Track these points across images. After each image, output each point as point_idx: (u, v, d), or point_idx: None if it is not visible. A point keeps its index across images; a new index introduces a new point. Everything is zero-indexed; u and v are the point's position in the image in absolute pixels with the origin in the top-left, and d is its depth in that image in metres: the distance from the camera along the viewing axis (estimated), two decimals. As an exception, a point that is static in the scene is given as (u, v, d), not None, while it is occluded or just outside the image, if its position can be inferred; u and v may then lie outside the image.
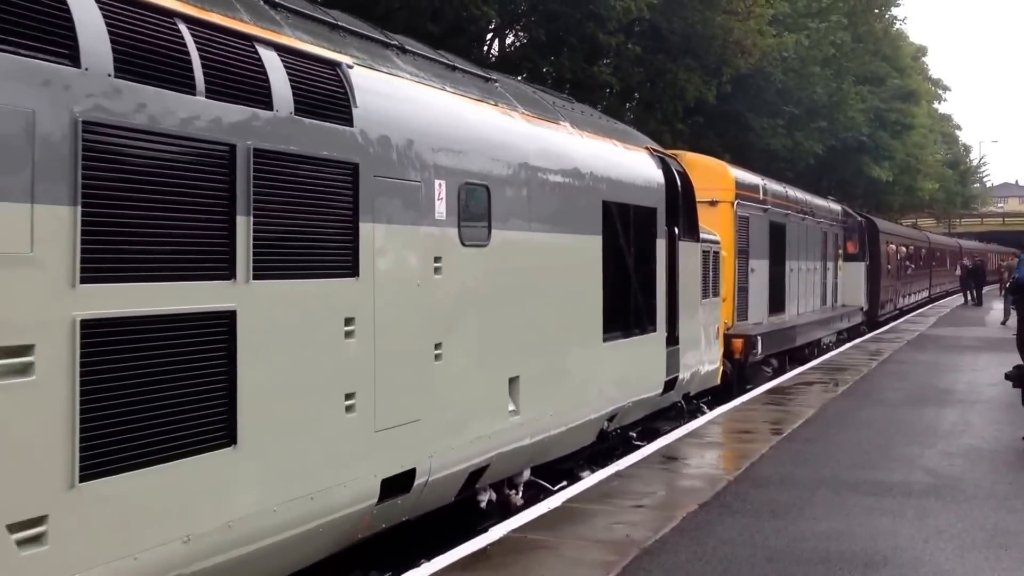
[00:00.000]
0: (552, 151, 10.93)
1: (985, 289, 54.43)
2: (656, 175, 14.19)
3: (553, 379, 10.75)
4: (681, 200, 14.98)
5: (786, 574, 7.66)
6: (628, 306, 12.87)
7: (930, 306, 50.57)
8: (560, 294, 10.83)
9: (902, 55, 65.10)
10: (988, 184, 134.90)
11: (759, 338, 20.13)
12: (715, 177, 20.04)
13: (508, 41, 30.20)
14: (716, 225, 18.74)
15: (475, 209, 9.18)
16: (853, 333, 32.79)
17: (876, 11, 57.77)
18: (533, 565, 7.99)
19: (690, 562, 7.96)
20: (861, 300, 34.16)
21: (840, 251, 32.38)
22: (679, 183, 14.90)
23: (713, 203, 19.34)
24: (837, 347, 28.59)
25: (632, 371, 13.11)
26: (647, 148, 14.68)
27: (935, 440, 13.42)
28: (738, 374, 19.46)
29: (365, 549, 8.29)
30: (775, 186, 24.36)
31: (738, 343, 19.22)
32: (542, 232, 10.42)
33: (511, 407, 9.82)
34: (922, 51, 78.48)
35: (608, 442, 13.09)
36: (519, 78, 27.27)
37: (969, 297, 52.74)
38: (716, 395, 17.81)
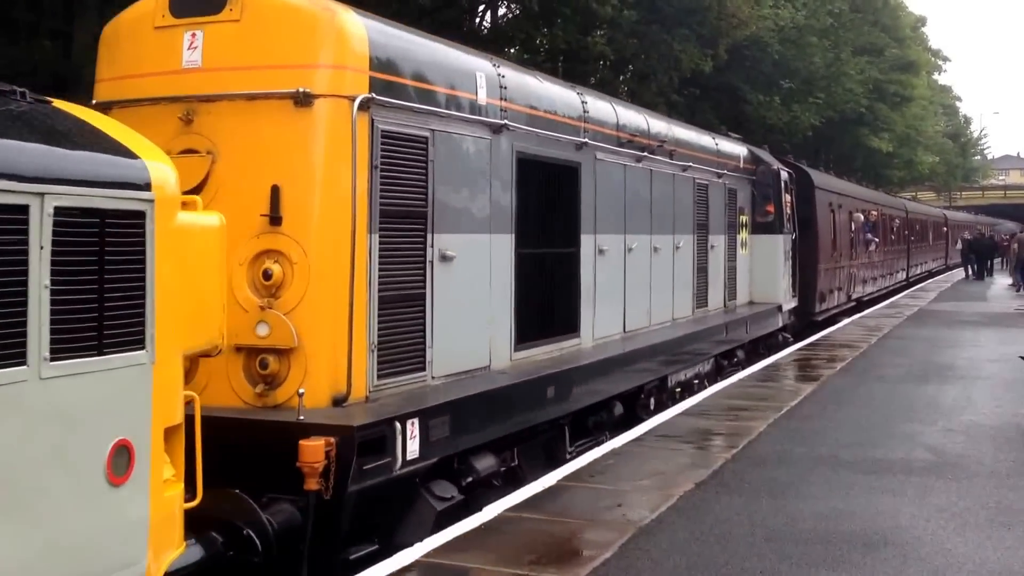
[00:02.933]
0: None
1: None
2: None
3: None
4: None
5: (785, 554, 7.58)
6: None
7: (908, 292, 41.87)
8: None
9: (901, 25, 65.09)
10: (989, 156, 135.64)
11: (408, 426, 8.55)
12: (297, 34, 8.90)
13: (500, 12, 30.12)
14: (296, 154, 8.68)
15: None
16: (766, 348, 21.44)
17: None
18: (529, 542, 7.97)
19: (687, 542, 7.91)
20: (780, 293, 21.77)
21: (745, 218, 20.72)
22: None
23: (301, 99, 8.58)
24: (714, 381, 17.09)
25: None
26: None
27: (936, 417, 13.30)
28: (331, 524, 8.00)
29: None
30: (539, 84, 12.27)
31: (312, 453, 7.65)
32: None
33: None
34: (922, 21, 78.40)
35: None
36: (511, 50, 27.35)
37: (970, 271, 52.76)
38: None
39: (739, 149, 21.16)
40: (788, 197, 22.36)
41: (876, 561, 7.44)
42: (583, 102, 13.19)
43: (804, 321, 24.86)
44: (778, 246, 21.67)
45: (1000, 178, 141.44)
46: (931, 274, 55.60)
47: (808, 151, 47.05)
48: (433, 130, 9.69)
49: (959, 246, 58.51)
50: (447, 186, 9.92)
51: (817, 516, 8.60)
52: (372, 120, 8.82)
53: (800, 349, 21.44)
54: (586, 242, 12.99)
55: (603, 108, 14.00)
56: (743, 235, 20.54)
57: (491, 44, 22.80)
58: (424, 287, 9.48)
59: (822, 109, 44.59)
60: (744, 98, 39.15)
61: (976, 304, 34.65)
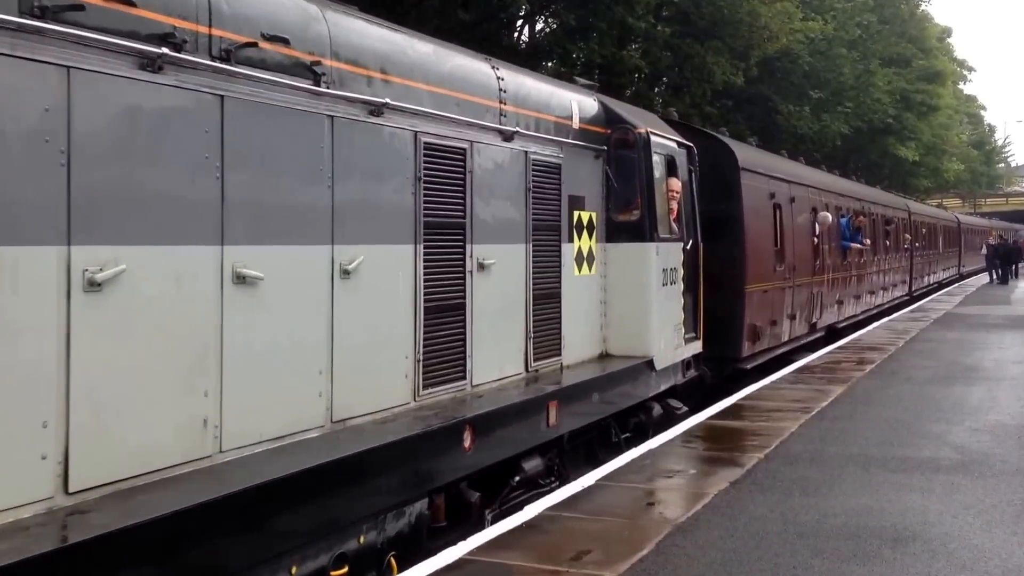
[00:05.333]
0: None
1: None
2: None
3: None
4: None
5: (817, 549, 7.69)
6: None
7: (914, 307, 35.34)
8: None
9: (927, 36, 64.96)
10: (1013, 164, 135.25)
11: None
12: None
13: (538, 27, 30.45)
14: None
15: None
16: (631, 430, 12.86)
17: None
18: (569, 540, 8.08)
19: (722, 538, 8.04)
20: (652, 339, 13.01)
21: (590, 215, 12.41)
22: None
23: None
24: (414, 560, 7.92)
25: None
26: None
27: (962, 417, 13.35)
28: None
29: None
30: None
31: None
32: None
33: None
34: (947, 32, 78.17)
35: None
36: (549, 64, 27.72)
37: (995, 276, 52.66)
38: None
39: (576, 97, 12.59)
40: (675, 182, 13.97)
41: (905, 556, 7.52)
42: None
43: (724, 371, 17.18)
44: (649, 262, 13.09)
45: (1023, 185, 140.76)
46: (941, 285, 48.57)
47: (838, 160, 47.14)
48: None
49: (984, 251, 58.14)
50: None
51: (848, 513, 8.68)
52: None
53: (830, 352, 21.26)
54: None
55: None
56: (584, 243, 12.42)
57: (530, 58, 23.23)
58: None
59: (851, 119, 44.66)
60: (776, 108, 39.32)
61: (1001, 308, 34.49)
